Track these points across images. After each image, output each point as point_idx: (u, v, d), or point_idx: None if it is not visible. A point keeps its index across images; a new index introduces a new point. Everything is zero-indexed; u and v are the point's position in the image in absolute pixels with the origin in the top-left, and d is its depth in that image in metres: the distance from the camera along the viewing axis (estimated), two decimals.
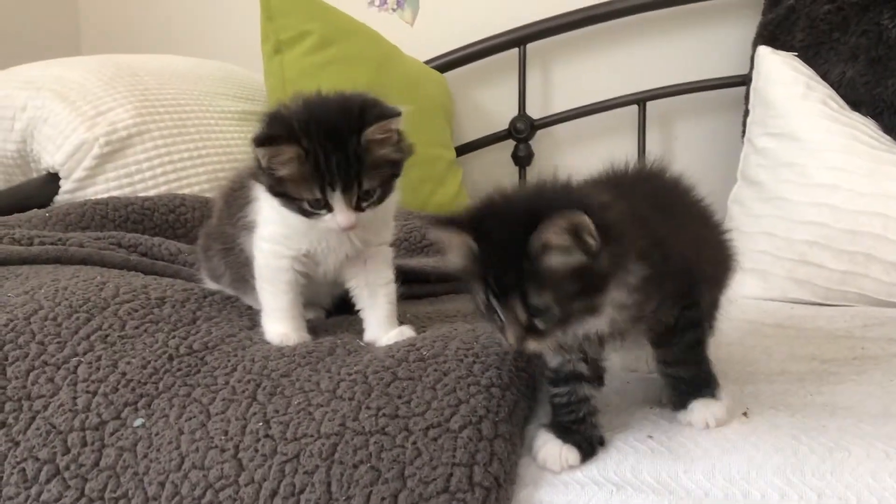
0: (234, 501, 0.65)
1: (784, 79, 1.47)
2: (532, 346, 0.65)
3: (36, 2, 2.11)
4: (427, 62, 1.86)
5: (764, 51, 1.54)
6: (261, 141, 0.76)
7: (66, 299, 0.84)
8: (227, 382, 0.75)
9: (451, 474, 0.64)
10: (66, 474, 0.69)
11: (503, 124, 1.90)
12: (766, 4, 1.66)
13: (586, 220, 0.60)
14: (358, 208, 0.78)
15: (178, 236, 1.21)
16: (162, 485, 0.67)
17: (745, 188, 1.49)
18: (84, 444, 0.70)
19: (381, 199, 0.80)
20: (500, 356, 0.75)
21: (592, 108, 1.83)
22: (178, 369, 0.77)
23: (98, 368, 0.76)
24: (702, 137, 1.81)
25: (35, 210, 1.19)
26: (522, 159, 1.87)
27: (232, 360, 0.78)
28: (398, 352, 0.77)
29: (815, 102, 1.43)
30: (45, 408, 0.73)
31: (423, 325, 0.90)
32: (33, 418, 0.72)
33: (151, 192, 1.31)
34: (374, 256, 0.87)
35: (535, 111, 1.88)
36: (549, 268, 0.61)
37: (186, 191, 1.35)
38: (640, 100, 1.79)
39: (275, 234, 0.84)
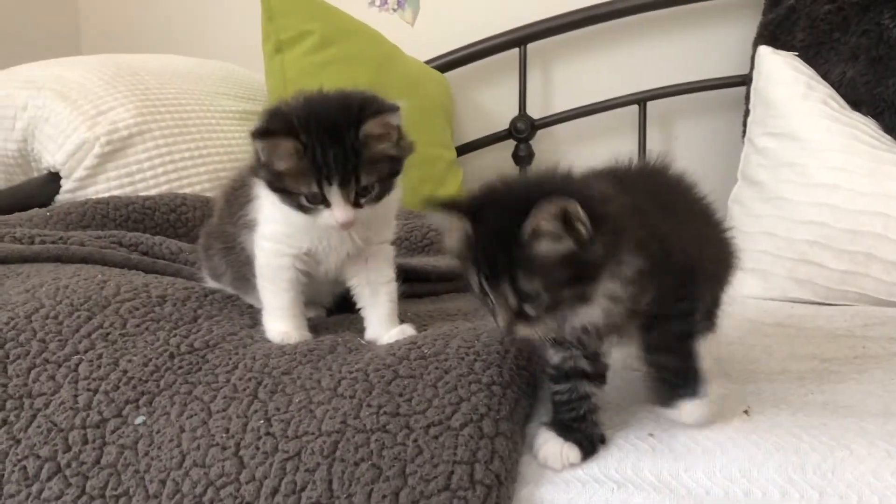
0: (235, 499, 0.65)
1: (785, 78, 1.47)
2: (521, 330, 0.65)
3: (36, 2, 2.11)
4: (428, 62, 1.86)
5: (764, 50, 1.54)
6: (259, 134, 0.76)
7: (67, 297, 0.84)
8: (228, 380, 0.75)
9: (452, 472, 0.64)
10: (68, 472, 0.69)
11: (504, 124, 1.90)
12: (766, 4, 1.66)
13: (577, 208, 0.60)
14: (356, 204, 0.78)
15: (178, 235, 1.21)
16: (163, 482, 0.67)
17: (745, 188, 1.49)
18: (85, 442, 0.70)
19: (379, 196, 0.79)
20: (501, 354, 0.75)
21: (593, 108, 1.83)
22: (180, 367, 0.77)
23: (99, 366, 0.76)
24: (702, 137, 1.81)
25: (36, 209, 1.19)
26: (523, 159, 1.87)
27: (233, 358, 0.78)
28: (399, 350, 0.77)
29: (815, 102, 1.43)
30: (47, 406, 0.73)
31: (424, 324, 0.90)
32: (34, 416, 0.72)
33: (152, 192, 1.31)
34: (375, 255, 0.87)
35: (535, 111, 1.89)
36: (539, 254, 0.62)
37: (187, 190, 1.35)
38: (641, 100, 1.79)
39: (276, 232, 0.84)
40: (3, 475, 0.69)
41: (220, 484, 0.66)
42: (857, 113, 1.46)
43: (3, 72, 1.46)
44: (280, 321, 0.85)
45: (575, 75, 1.90)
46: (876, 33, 1.50)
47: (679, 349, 0.69)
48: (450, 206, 0.66)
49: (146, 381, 0.75)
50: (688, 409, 0.69)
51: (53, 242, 1.03)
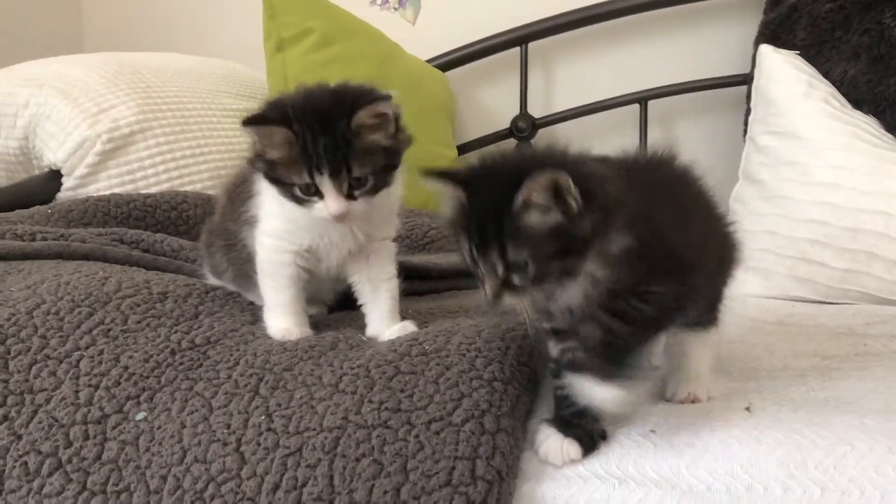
0: (236, 495, 0.65)
1: (786, 77, 1.47)
2: (507, 300, 0.66)
3: (39, 2, 2.12)
4: (429, 61, 1.86)
5: (766, 49, 1.54)
6: (248, 121, 0.76)
7: (69, 294, 0.84)
8: (229, 376, 0.75)
9: (453, 468, 0.64)
10: (69, 468, 0.69)
11: (505, 123, 1.90)
12: (767, 3, 1.66)
13: (568, 181, 0.61)
14: (350, 196, 0.77)
15: (180, 233, 1.21)
16: (164, 478, 0.67)
17: (746, 187, 1.49)
18: (86, 438, 0.70)
19: (375, 189, 0.79)
20: (503, 351, 0.75)
21: (594, 108, 1.83)
22: (181, 363, 0.77)
23: (100, 362, 0.76)
24: (703, 136, 1.81)
25: (37, 207, 1.19)
26: None
27: (234, 355, 0.78)
28: (400, 346, 0.77)
29: (816, 101, 1.43)
30: (48, 401, 0.73)
31: (425, 321, 0.90)
32: (35, 412, 0.72)
33: (153, 189, 1.31)
34: (376, 251, 0.87)
35: (536, 110, 1.88)
36: (529, 225, 0.62)
37: (188, 188, 1.35)
38: (642, 99, 1.79)
39: (277, 228, 0.84)
40: (4, 471, 0.69)
41: (222, 480, 0.66)
42: (859, 112, 1.46)
43: (4, 69, 1.46)
44: (281, 318, 0.85)
45: (576, 74, 1.90)
46: (877, 32, 1.50)
47: (629, 332, 0.68)
48: (446, 175, 0.67)
49: (147, 378, 0.75)
50: (596, 389, 0.68)
51: (55, 239, 1.03)
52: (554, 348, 0.71)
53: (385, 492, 0.63)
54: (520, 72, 1.86)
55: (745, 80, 1.65)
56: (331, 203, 0.77)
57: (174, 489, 0.67)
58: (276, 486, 0.65)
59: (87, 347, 0.78)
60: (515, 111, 1.88)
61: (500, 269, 0.65)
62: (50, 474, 0.69)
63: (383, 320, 0.87)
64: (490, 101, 1.95)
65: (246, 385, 0.73)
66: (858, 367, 0.88)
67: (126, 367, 0.76)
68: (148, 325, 0.82)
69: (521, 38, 1.84)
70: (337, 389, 0.72)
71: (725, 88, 1.75)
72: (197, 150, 1.40)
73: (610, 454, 0.68)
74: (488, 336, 0.77)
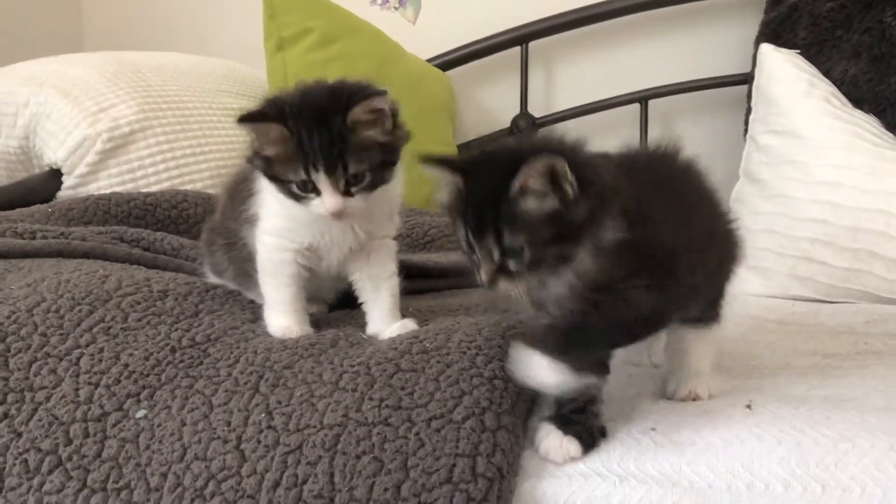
0: (236, 492, 0.65)
1: (786, 76, 1.47)
2: (502, 285, 0.66)
3: (39, 2, 2.12)
4: (429, 60, 1.86)
5: (766, 48, 1.54)
6: (244, 117, 0.76)
7: (69, 292, 0.84)
8: (229, 374, 0.75)
9: (454, 465, 0.64)
10: (69, 465, 0.69)
11: (505, 122, 1.90)
12: (768, 3, 1.66)
13: (564, 166, 0.62)
14: (346, 193, 0.77)
15: (180, 232, 1.21)
16: (164, 476, 0.67)
17: (747, 186, 1.49)
18: (86, 436, 0.70)
19: (372, 186, 0.78)
20: (503, 348, 0.75)
21: (594, 107, 1.83)
22: (181, 361, 0.77)
23: (100, 360, 0.76)
24: (703, 136, 1.81)
25: (38, 205, 1.19)
26: None
27: (234, 352, 0.78)
28: (401, 344, 0.77)
29: (817, 100, 1.43)
30: (48, 399, 0.73)
31: (425, 319, 0.89)
32: (36, 409, 0.72)
33: (154, 188, 1.31)
34: (377, 250, 0.87)
35: (536, 110, 1.88)
36: (525, 210, 0.63)
37: (189, 187, 1.35)
38: (642, 98, 1.79)
39: (277, 226, 0.84)
40: (4, 468, 0.69)
41: (222, 477, 0.66)
42: (859, 111, 1.45)
43: (4, 68, 1.46)
44: (281, 316, 0.85)
45: (576, 74, 1.90)
46: (878, 31, 1.50)
47: (603, 328, 0.68)
48: (444, 162, 0.68)
49: (147, 375, 0.75)
50: (538, 360, 0.67)
51: (55, 237, 1.03)
52: None
53: (385, 489, 0.63)
54: (520, 71, 1.86)
55: (746, 79, 1.65)
56: (327, 200, 0.77)
57: (174, 487, 0.66)
58: (277, 484, 0.65)
59: (87, 345, 0.78)
60: (516, 111, 1.88)
61: (496, 255, 0.65)
62: (50, 472, 0.69)
63: (384, 318, 0.87)
64: (490, 101, 1.95)
65: (246, 383, 0.73)
66: (859, 366, 0.88)
67: (126, 365, 0.75)
68: (148, 322, 0.82)
69: (521, 37, 1.84)
70: (337, 387, 0.71)
71: (726, 88, 1.75)
72: (197, 150, 1.40)
73: (611, 452, 0.68)
74: (489, 334, 0.77)
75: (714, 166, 0.80)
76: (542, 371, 0.67)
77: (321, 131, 0.75)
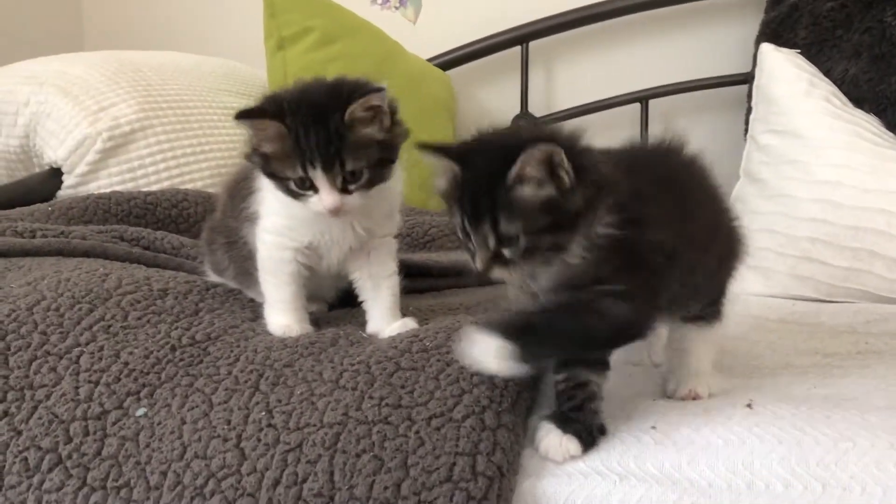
0: (236, 491, 0.65)
1: (787, 76, 1.47)
2: (497, 273, 0.67)
3: (39, 2, 2.12)
4: (429, 60, 1.86)
5: (767, 48, 1.54)
6: (241, 114, 0.76)
7: (69, 290, 0.84)
8: (229, 372, 0.75)
9: (454, 464, 0.64)
10: (69, 463, 0.69)
11: (506, 122, 1.87)
12: (768, 2, 1.66)
13: (561, 155, 0.62)
14: (344, 190, 0.77)
15: (180, 231, 1.21)
16: (164, 474, 0.67)
17: (747, 185, 1.49)
18: (86, 434, 0.70)
19: (370, 183, 0.78)
20: None
21: (594, 107, 1.83)
22: (181, 359, 0.77)
23: (100, 358, 0.76)
24: (704, 135, 1.80)
25: (38, 204, 1.19)
26: None
27: (235, 351, 0.78)
28: (401, 342, 0.77)
29: (817, 99, 1.43)
30: (48, 397, 0.73)
31: (425, 318, 0.90)
32: (36, 407, 0.72)
33: (154, 188, 1.31)
34: (377, 248, 0.87)
35: (537, 109, 1.88)
36: (521, 197, 0.64)
37: (189, 186, 1.35)
38: (643, 98, 1.79)
39: (277, 225, 0.84)
40: (4, 466, 0.69)
41: (222, 475, 0.66)
42: (860, 110, 1.45)
43: (5, 67, 1.46)
44: (282, 314, 0.85)
45: (577, 73, 1.90)
46: (878, 30, 1.50)
47: (568, 329, 0.66)
48: (441, 149, 0.68)
49: (147, 374, 0.75)
50: (487, 343, 0.66)
51: (55, 236, 1.03)
52: None
53: (385, 487, 0.63)
54: (520, 71, 1.86)
55: (746, 79, 1.65)
56: (325, 197, 0.77)
57: (174, 485, 0.66)
58: (277, 482, 0.65)
59: (87, 343, 0.77)
60: (516, 110, 1.88)
61: (492, 242, 0.66)
62: (50, 470, 0.69)
63: (384, 317, 0.87)
64: (491, 101, 1.95)
65: (246, 381, 0.73)
66: (860, 365, 0.88)
67: (126, 364, 0.75)
68: (148, 321, 0.82)
69: (521, 37, 1.84)
70: (337, 385, 0.71)
71: (726, 87, 1.75)
72: (197, 149, 1.40)
73: (611, 450, 0.68)
74: None
75: (714, 166, 0.80)
76: (485, 354, 0.66)
77: (318, 128, 0.75)
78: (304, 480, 0.65)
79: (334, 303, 0.99)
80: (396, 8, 1.98)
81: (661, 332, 0.86)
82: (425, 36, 1.92)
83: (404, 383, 0.71)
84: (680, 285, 0.71)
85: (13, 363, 0.75)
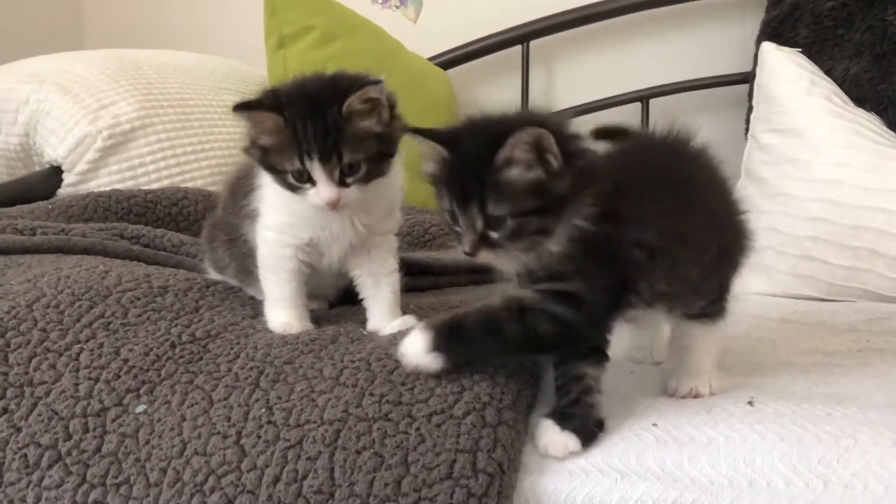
0: (236, 487, 0.65)
1: (788, 75, 1.47)
2: (484, 255, 0.68)
3: (39, 1, 2.11)
4: (430, 59, 1.86)
5: (768, 47, 1.53)
6: (239, 106, 0.77)
7: (69, 287, 0.83)
8: (229, 369, 0.74)
9: (454, 461, 0.64)
10: (68, 460, 0.68)
11: None
12: (769, 1, 1.66)
13: (550, 138, 0.63)
14: (342, 183, 0.77)
15: (180, 229, 1.21)
16: (164, 471, 0.67)
17: (748, 184, 1.49)
18: (86, 431, 0.70)
19: (368, 177, 0.78)
20: None
21: (595, 106, 1.83)
22: (181, 356, 0.76)
23: (100, 355, 0.76)
24: (704, 135, 1.79)
25: (38, 202, 1.19)
26: None
27: (235, 348, 0.78)
28: (402, 340, 0.76)
29: (819, 98, 1.43)
30: (47, 394, 0.73)
31: (426, 316, 0.89)
32: (35, 404, 0.72)
33: (154, 186, 1.31)
34: (378, 246, 0.87)
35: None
36: (510, 180, 0.65)
37: (189, 184, 1.35)
38: (643, 97, 1.79)
39: (278, 222, 0.84)
40: (3, 463, 0.69)
41: (222, 472, 0.66)
42: (861, 109, 1.46)
43: (5, 66, 1.46)
44: (282, 311, 0.84)
45: (577, 73, 1.89)
46: (880, 29, 1.50)
47: (505, 333, 0.68)
48: (429, 133, 0.69)
49: (147, 371, 0.75)
50: (417, 340, 0.70)
51: (55, 234, 1.03)
52: None
53: (386, 484, 0.63)
54: (521, 70, 1.86)
55: (747, 78, 1.65)
56: (322, 189, 0.77)
57: (174, 482, 0.66)
58: (277, 479, 0.65)
59: (86, 340, 0.77)
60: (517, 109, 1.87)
61: (480, 224, 0.66)
62: (49, 467, 0.68)
63: (384, 315, 0.87)
64: (491, 100, 1.92)
65: (246, 378, 0.73)
66: (861, 364, 0.88)
67: (126, 360, 0.75)
68: (148, 318, 0.82)
69: (522, 36, 1.84)
70: (338, 382, 0.71)
71: (727, 87, 1.75)
72: (198, 147, 1.40)
73: (612, 447, 0.68)
74: None
75: None
76: (411, 350, 0.69)
77: (316, 120, 0.75)
78: (305, 477, 0.64)
79: (335, 300, 0.99)
80: (397, 7, 1.98)
81: (664, 329, 0.86)
82: (426, 35, 1.92)
83: (405, 380, 0.71)
84: (668, 282, 0.70)
85: (13, 360, 0.75)
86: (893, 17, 1.48)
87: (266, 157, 0.78)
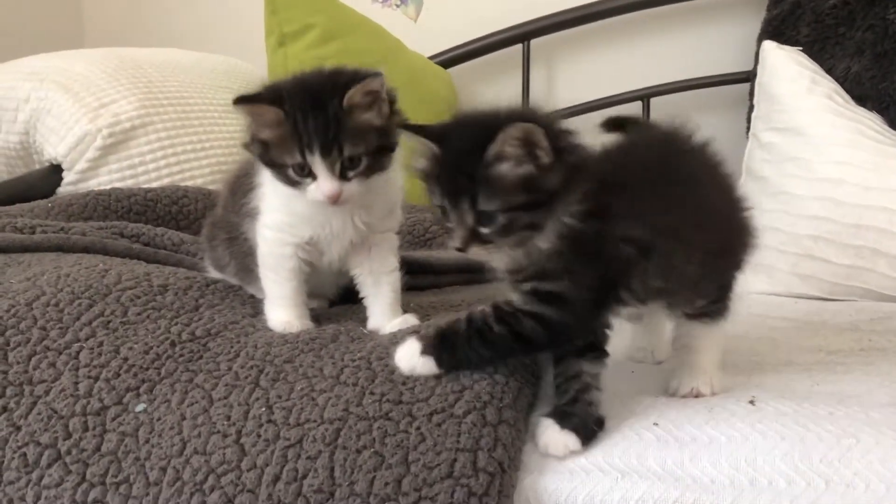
0: (236, 486, 0.65)
1: (789, 73, 1.47)
2: (475, 250, 0.68)
3: (40, 0, 2.11)
4: (431, 58, 1.86)
5: (769, 45, 1.53)
6: (240, 99, 0.76)
7: (69, 286, 0.83)
8: (229, 368, 0.74)
9: (455, 460, 0.64)
10: (68, 459, 0.68)
11: None
12: (770, 0, 1.65)
13: (540, 133, 0.63)
14: (343, 177, 0.77)
15: (180, 228, 1.21)
16: (163, 470, 0.67)
17: (749, 183, 1.48)
18: (85, 429, 0.70)
19: (369, 170, 0.78)
20: None
21: (596, 105, 1.83)
22: (181, 355, 0.76)
23: (100, 354, 0.76)
24: (705, 133, 1.80)
25: (38, 201, 1.18)
26: None
27: (235, 347, 0.77)
28: (402, 339, 0.76)
29: (820, 97, 1.43)
30: (47, 393, 0.72)
31: (426, 315, 0.89)
32: (35, 403, 0.72)
33: (154, 184, 1.31)
34: (379, 244, 0.87)
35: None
36: (500, 175, 0.65)
37: (189, 183, 1.34)
38: (644, 96, 1.79)
39: (278, 221, 0.83)
40: (3, 462, 0.69)
41: (221, 471, 0.66)
42: (862, 108, 1.45)
43: (5, 64, 1.46)
44: (282, 310, 0.84)
45: (578, 72, 1.89)
46: (881, 28, 1.50)
47: (490, 335, 0.69)
48: (419, 129, 0.70)
49: (147, 369, 0.75)
50: (410, 347, 0.71)
51: (55, 232, 1.03)
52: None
53: (386, 483, 0.63)
54: (522, 69, 1.86)
55: (748, 77, 1.65)
56: (323, 183, 0.76)
57: (173, 481, 0.66)
58: (277, 478, 0.64)
59: (86, 339, 0.77)
60: None
61: (470, 219, 0.67)
62: (49, 465, 0.68)
63: (385, 313, 0.86)
64: (492, 99, 1.92)
65: (246, 377, 0.73)
66: (863, 363, 0.87)
67: (126, 359, 0.75)
68: (148, 316, 0.82)
69: (523, 35, 1.84)
70: (338, 381, 0.71)
71: (728, 85, 1.75)
72: (198, 146, 1.40)
73: (613, 447, 0.68)
74: None
75: None
76: (404, 356, 0.70)
77: (317, 114, 0.75)
78: (305, 476, 0.64)
79: (335, 299, 0.99)
80: (397, 6, 1.98)
81: (666, 329, 0.85)
82: (426, 34, 1.92)
83: (405, 379, 0.70)
84: (662, 278, 0.70)
85: (12, 359, 0.75)
86: (894, 15, 1.48)
87: (266, 152, 0.78)
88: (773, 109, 1.47)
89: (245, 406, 0.70)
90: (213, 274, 0.97)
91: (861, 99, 1.47)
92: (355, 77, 0.76)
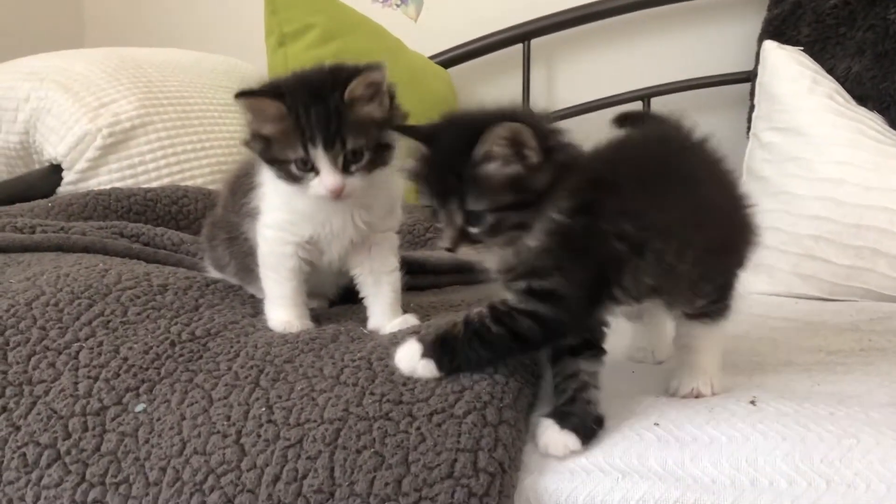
0: (236, 487, 0.65)
1: (790, 73, 1.47)
2: (464, 250, 0.68)
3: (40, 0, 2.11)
4: (431, 58, 1.86)
5: (770, 45, 1.53)
6: (241, 93, 0.76)
7: (68, 285, 0.83)
8: (229, 368, 0.74)
9: (455, 460, 0.64)
10: (67, 459, 0.68)
11: None
12: (771, 0, 1.65)
13: (527, 133, 0.64)
14: (346, 171, 0.77)
15: (180, 227, 1.21)
16: (163, 470, 0.67)
17: (750, 183, 1.48)
18: (85, 429, 0.70)
19: (371, 165, 0.78)
20: None
21: (596, 105, 1.83)
22: (181, 355, 0.76)
23: (99, 354, 0.76)
24: (706, 133, 1.80)
25: (38, 200, 1.18)
26: None
27: (235, 347, 0.77)
28: (402, 339, 0.76)
29: (820, 97, 1.42)
30: (47, 393, 0.72)
31: (426, 315, 0.89)
32: (34, 403, 0.72)
33: (154, 184, 1.31)
34: (379, 244, 0.87)
35: (538, 108, 1.88)
36: (488, 175, 0.65)
37: (189, 183, 1.34)
38: (645, 96, 1.79)
39: (278, 220, 0.83)
40: (2, 462, 0.69)
41: (221, 471, 0.66)
42: (863, 108, 1.45)
43: (5, 63, 1.46)
44: (282, 310, 0.84)
45: (578, 72, 1.89)
46: (882, 28, 1.49)
47: (486, 335, 0.69)
48: (408, 129, 0.70)
49: (147, 369, 0.74)
50: (410, 348, 0.71)
51: (55, 232, 1.03)
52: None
53: (386, 483, 0.63)
54: (522, 69, 1.86)
55: (749, 76, 1.65)
56: (326, 177, 0.76)
57: (173, 481, 0.66)
58: (277, 478, 0.64)
59: (86, 339, 0.77)
60: None
61: (459, 219, 0.67)
62: (48, 466, 0.68)
63: (385, 313, 0.86)
64: (492, 99, 1.92)
65: (246, 377, 0.73)
66: (863, 363, 0.87)
67: (125, 359, 0.75)
68: (148, 316, 0.81)
69: (523, 34, 1.84)
70: (338, 381, 0.71)
71: (729, 85, 1.75)
72: (198, 145, 1.39)
73: (613, 447, 0.68)
74: None
75: None
76: (404, 358, 0.71)
77: (319, 107, 0.75)
78: (305, 476, 0.64)
79: (335, 299, 0.99)
80: (398, 6, 1.98)
81: (666, 329, 0.85)
82: (426, 34, 1.92)
83: (405, 380, 0.70)
84: (655, 276, 0.70)
85: (12, 358, 0.75)
86: (895, 15, 1.48)
87: (268, 148, 0.78)
88: (773, 109, 1.47)
89: (245, 406, 0.70)
90: (213, 274, 0.97)
91: (862, 99, 1.47)
92: (356, 71, 0.77)
